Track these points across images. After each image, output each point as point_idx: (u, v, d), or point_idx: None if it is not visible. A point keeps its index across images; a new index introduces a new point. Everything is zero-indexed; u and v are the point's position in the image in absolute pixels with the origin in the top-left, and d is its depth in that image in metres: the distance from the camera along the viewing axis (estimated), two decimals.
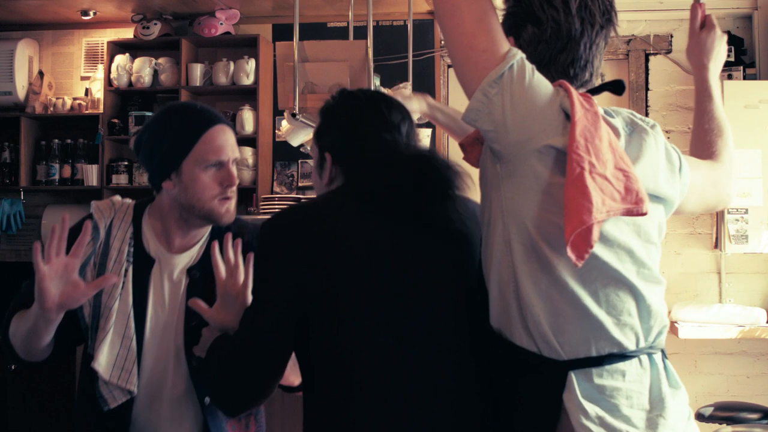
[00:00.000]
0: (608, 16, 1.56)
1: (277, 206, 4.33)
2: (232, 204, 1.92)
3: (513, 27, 1.58)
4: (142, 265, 1.90)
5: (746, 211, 4.27)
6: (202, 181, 1.87)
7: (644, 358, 1.42)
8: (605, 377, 1.38)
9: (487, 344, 1.49)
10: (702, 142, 1.80)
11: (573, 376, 1.37)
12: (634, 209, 1.38)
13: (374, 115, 1.65)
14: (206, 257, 1.90)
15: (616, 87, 1.58)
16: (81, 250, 1.69)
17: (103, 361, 1.82)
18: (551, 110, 1.42)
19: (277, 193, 4.88)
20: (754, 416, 3.51)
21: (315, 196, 1.70)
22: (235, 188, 1.92)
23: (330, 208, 1.55)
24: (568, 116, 1.42)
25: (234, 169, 1.92)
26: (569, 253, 1.33)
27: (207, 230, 1.97)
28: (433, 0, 1.51)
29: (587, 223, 1.32)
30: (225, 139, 1.90)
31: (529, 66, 1.43)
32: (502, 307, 1.44)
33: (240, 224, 1.99)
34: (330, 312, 1.47)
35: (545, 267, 1.39)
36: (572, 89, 1.45)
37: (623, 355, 1.40)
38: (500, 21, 1.56)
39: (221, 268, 1.70)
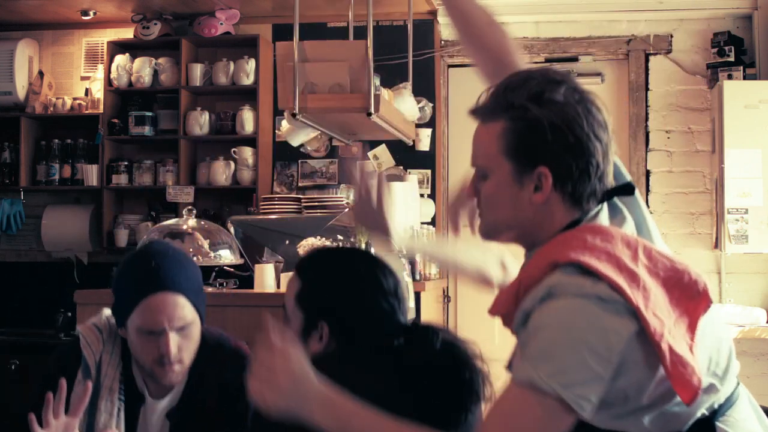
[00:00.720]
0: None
1: (277, 206, 4.32)
2: (174, 369, 1.83)
3: (548, 157, 1.37)
4: (133, 402, 1.88)
5: (746, 211, 4.26)
6: (140, 344, 1.83)
7: (742, 387, 1.50)
8: (738, 411, 1.44)
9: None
10: (488, 52, 1.57)
11: (720, 425, 1.41)
12: (709, 303, 1.38)
13: (373, 283, 1.54)
14: (184, 399, 1.87)
15: (626, 190, 1.48)
16: (81, 408, 1.68)
17: None
18: (625, 344, 1.29)
19: (277, 193, 4.88)
20: None
21: None
22: (179, 355, 1.83)
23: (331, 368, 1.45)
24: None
25: (178, 337, 1.82)
26: (691, 404, 1.34)
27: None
28: None
29: (700, 385, 1.32)
30: (162, 308, 1.80)
31: (585, 373, 1.27)
32: None
33: (221, 360, 1.90)
34: None
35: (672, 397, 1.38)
36: (629, 293, 1.29)
37: (737, 388, 1.47)
38: (519, 140, 1.39)
39: None
